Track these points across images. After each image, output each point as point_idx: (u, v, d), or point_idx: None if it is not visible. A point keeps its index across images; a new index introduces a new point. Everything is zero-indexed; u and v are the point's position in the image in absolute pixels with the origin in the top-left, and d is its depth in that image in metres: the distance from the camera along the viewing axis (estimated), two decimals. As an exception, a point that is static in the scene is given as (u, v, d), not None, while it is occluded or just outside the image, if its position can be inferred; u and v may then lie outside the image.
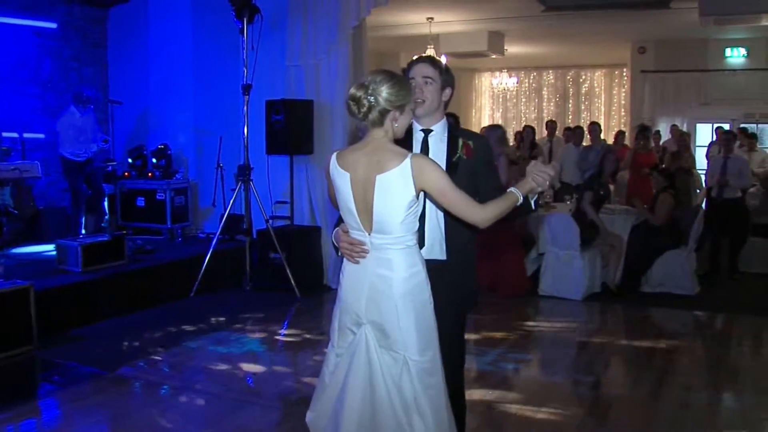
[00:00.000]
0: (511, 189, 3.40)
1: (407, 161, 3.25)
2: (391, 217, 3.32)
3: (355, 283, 3.45)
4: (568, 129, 15.23)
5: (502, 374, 6.34)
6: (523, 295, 9.08)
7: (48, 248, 9.54)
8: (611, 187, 12.17)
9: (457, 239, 3.73)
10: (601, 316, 8.42)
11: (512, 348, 7.08)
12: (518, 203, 3.38)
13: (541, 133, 16.67)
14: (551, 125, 15.71)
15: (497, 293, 8.96)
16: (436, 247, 3.72)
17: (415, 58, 3.84)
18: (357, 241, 3.41)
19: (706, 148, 14.26)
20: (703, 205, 10.63)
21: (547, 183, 3.40)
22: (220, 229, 9.14)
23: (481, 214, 3.32)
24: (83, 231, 9.36)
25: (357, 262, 3.43)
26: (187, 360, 6.65)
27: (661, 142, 14.90)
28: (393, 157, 3.29)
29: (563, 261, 9.03)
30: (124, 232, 9.05)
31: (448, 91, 3.82)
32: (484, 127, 9.59)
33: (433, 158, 3.45)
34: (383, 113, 3.34)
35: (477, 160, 3.75)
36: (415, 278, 3.38)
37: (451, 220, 3.59)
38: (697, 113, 17.12)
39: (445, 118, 3.86)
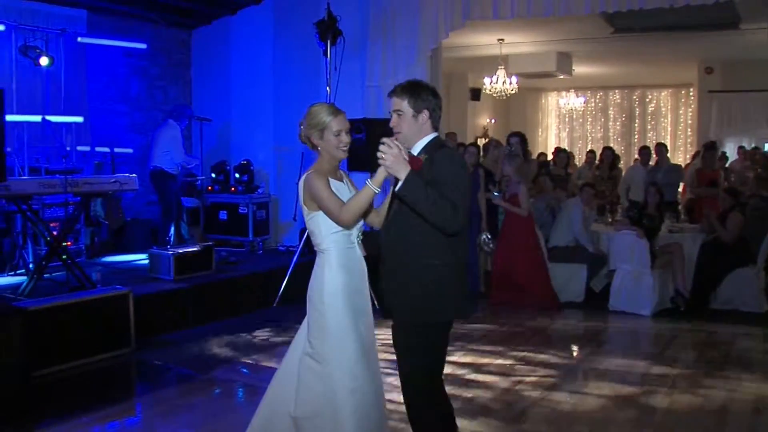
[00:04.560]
0: (367, 181, 3.73)
1: (303, 178, 3.98)
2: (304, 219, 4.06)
3: None
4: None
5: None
6: (553, 308, 9.32)
7: (136, 257, 10.03)
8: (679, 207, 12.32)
9: (396, 249, 3.89)
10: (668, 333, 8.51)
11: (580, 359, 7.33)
12: (375, 194, 3.72)
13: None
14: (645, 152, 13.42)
15: (529, 308, 9.24)
16: None
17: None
18: None
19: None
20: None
21: (388, 156, 3.55)
22: (302, 243, 9.38)
23: (340, 216, 3.83)
24: (171, 242, 9.75)
25: None
26: (277, 365, 6.93)
27: (727, 164, 14.86)
28: (305, 173, 3.99)
29: (633, 277, 9.20)
30: (212, 243, 9.44)
31: (423, 115, 3.86)
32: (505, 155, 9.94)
33: None
34: (308, 139, 4.05)
35: (430, 175, 3.70)
36: (318, 279, 4.00)
37: (394, 231, 3.91)
38: (766, 133, 17.07)
39: (428, 138, 3.90)
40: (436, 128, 3.94)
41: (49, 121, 9.49)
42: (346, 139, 4.01)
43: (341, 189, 4.02)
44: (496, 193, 9.51)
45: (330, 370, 3.90)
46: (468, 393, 6.16)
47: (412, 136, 3.88)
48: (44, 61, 9.47)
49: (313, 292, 4.01)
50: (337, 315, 3.92)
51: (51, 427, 5.49)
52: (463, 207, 3.67)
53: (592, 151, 15.00)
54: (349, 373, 3.89)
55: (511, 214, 9.43)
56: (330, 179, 3.99)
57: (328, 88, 9.34)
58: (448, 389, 6.09)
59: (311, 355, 3.96)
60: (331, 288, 3.94)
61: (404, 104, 3.85)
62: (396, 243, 3.89)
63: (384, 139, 3.59)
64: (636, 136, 21.49)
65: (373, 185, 3.69)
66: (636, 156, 15.28)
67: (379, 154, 3.56)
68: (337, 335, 3.91)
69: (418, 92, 3.86)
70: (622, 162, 16.04)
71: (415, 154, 3.87)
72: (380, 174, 3.66)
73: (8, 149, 9.27)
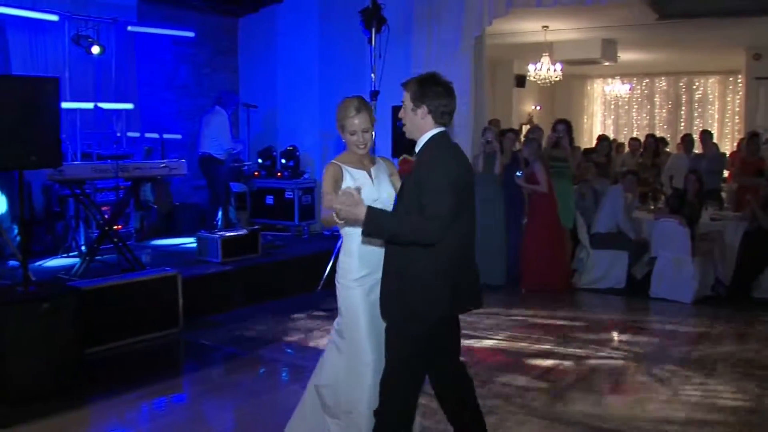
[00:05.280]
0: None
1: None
2: None
3: None
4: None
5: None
6: (561, 291, 9.56)
7: (184, 241, 10.28)
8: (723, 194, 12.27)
9: (391, 252, 3.88)
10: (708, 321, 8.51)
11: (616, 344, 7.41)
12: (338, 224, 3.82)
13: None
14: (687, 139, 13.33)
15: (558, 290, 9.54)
16: None
17: None
18: None
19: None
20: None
21: (341, 213, 3.61)
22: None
23: (322, 213, 4.16)
24: (219, 225, 9.95)
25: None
26: (319, 346, 7.09)
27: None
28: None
29: (674, 265, 9.21)
30: (259, 227, 9.64)
31: (422, 110, 3.79)
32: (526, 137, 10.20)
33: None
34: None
35: (415, 176, 3.76)
36: (339, 260, 4.32)
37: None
38: (814, 121, 16.82)
39: (429, 134, 3.82)
40: (442, 125, 3.84)
41: (100, 108, 9.77)
42: (362, 138, 4.21)
43: (360, 177, 4.21)
44: (518, 173, 9.61)
45: (346, 345, 4.24)
46: (506, 376, 6.28)
47: (413, 130, 3.87)
48: (96, 49, 9.71)
49: (337, 271, 4.31)
50: (347, 295, 4.20)
51: (102, 402, 5.75)
52: (440, 213, 3.61)
53: (636, 139, 14.92)
54: (362, 351, 4.14)
55: (534, 195, 9.58)
56: (350, 168, 4.24)
57: (372, 75, 9.45)
58: (486, 373, 6.27)
59: (336, 328, 4.35)
60: (344, 271, 4.24)
61: (406, 96, 3.87)
62: (391, 246, 3.87)
63: (333, 199, 3.75)
64: (682, 124, 21.20)
65: (338, 220, 3.72)
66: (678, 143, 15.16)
67: (334, 210, 3.64)
68: (350, 313, 4.20)
69: (423, 87, 3.81)
70: (668, 148, 15.89)
71: (417, 150, 3.86)
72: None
73: (62, 135, 9.59)
